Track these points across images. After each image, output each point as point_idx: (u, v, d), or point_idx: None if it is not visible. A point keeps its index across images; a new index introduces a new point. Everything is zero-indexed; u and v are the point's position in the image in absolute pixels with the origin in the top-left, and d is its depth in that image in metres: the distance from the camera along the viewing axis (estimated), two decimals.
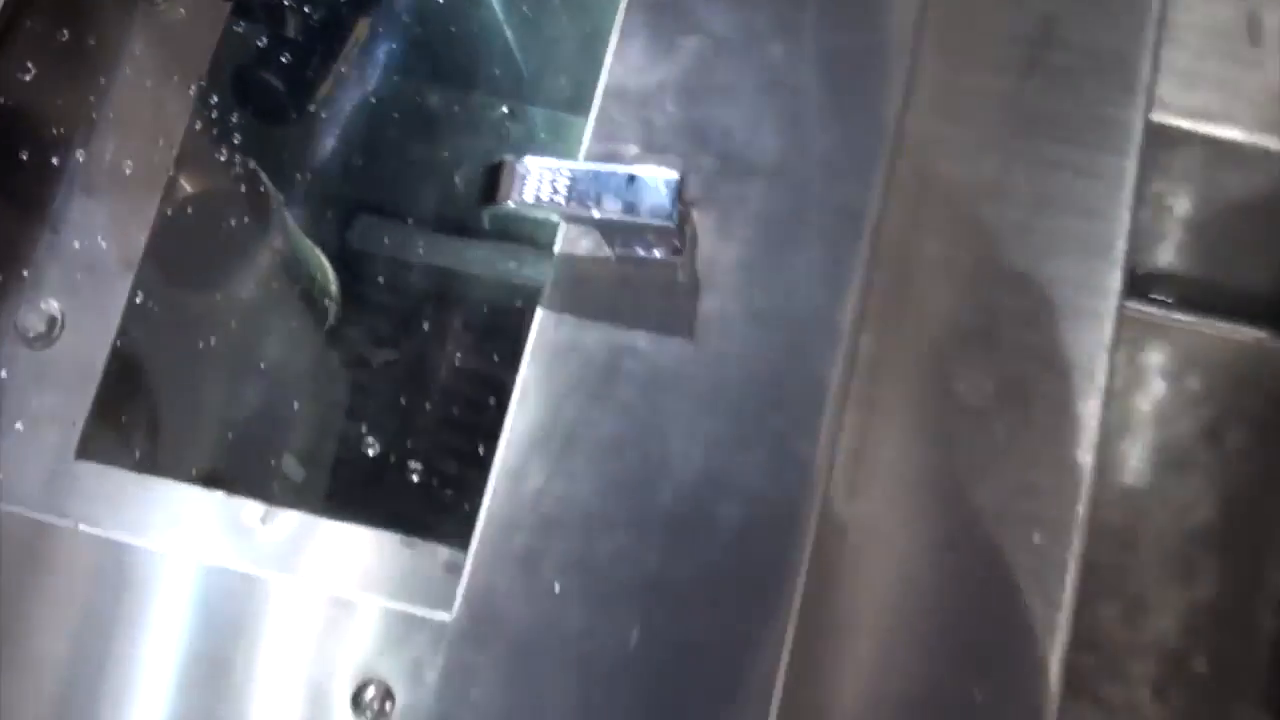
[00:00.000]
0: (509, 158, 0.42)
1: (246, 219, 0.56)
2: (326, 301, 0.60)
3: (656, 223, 0.41)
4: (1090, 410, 0.49)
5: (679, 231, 0.42)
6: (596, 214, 0.41)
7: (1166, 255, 0.74)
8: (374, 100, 0.58)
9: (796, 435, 0.43)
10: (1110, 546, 0.73)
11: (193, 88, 0.52)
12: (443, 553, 0.46)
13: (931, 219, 0.49)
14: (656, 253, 0.44)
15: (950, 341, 0.49)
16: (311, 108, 0.55)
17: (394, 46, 0.57)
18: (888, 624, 0.47)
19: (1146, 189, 0.63)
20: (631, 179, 0.41)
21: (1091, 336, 0.49)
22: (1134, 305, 0.77)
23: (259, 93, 0.53)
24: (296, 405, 0.53)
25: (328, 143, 0.58)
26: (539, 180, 0.42)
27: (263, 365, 0.56)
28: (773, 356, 0.44)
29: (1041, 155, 0.51)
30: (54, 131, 0.49)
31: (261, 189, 0.57)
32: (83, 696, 0.42)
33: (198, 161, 0.53)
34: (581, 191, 0.41)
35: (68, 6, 0.49)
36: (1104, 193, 0.51)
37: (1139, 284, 0.77)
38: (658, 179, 0.41)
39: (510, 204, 0.42)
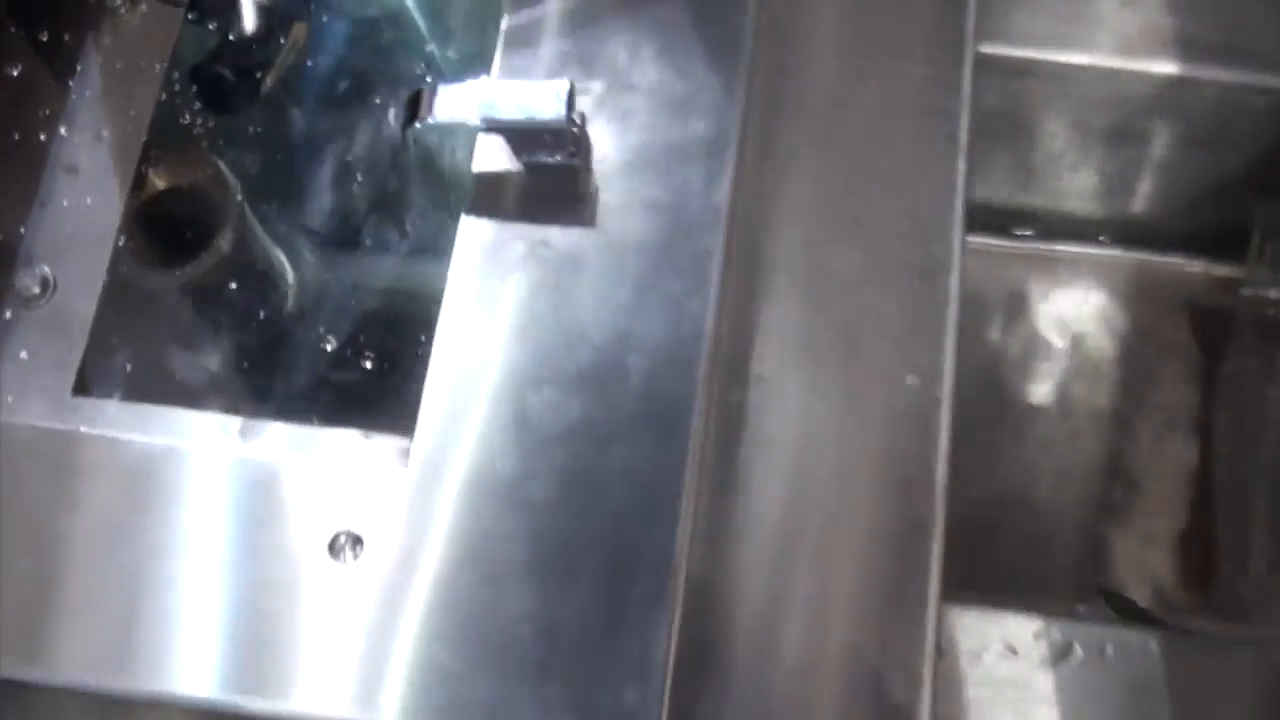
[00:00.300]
0: (426, 84, 0.51)
1: (206, 205, 0.63)
2: (284, 286, 0.68)
3: (552, 123, 0.49)
4: (949, 275, 0.57)
5: (573, 133, 0.51)
6: (501, 118, 0.49)
7: (1040, 185, 0.84)
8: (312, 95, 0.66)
9: (689, 296, 0.51)
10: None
11: (155, 84, 0.60)
12: (398, 441, 0.52)
13: (794, 129, 0.58)
14: (558, 156, 0.52)
15: (823, 227, 0.57)
16: (258, 101, 0.63)
17: (329, 44, 0.65)
18: (791, 467, 0.54)
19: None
20: (528, 89, 0.50)
21: (944, 211, 0.58)
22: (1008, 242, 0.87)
23: (211, 85, 0.62)
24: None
25: (275, 133, 0.65)
26: (450, 99, 0.50)
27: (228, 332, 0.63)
28: (664, 236, 0.52)
29: (885, 69, 0.60)
30: (39, 117, 0.57)
31: (220, 178, 0.65)
32: (92, 569, 0.49)
33: (162, 151, 0.61)
34: (486, 103, 0.50)
35: (48, 9, 0.58)
36: (941, 95, 0.59)
37: (1007, 216, 0.86)
38: (550, 87, 0.49)
39: (430, 120, 0.50)
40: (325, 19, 0.62)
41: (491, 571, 0.48)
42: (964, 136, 0.59)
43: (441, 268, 0.52)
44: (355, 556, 0.48)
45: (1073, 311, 0.89)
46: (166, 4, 0.62)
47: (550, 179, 0.52)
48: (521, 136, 0.51)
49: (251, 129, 0.60)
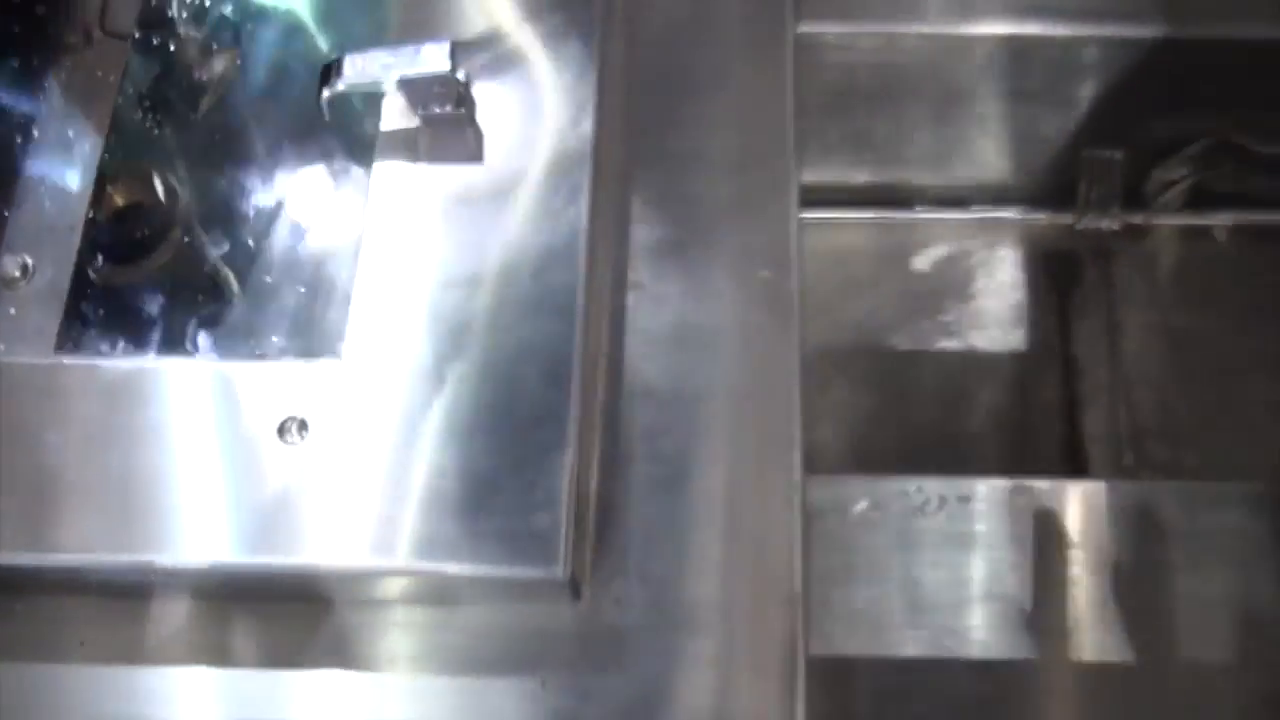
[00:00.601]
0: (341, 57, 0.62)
1: (156, 210, 0.73)
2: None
3: (441, 76, 0.60)
4: (788, 196, 0.68)
5: (458, 86, 0.62)
6: (399, 75, 0.60)
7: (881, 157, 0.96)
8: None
9: (566, 207, 0.62)
10: None
11: (109, 105, 0.71)
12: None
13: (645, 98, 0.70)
14: (448, 107, 0.63)
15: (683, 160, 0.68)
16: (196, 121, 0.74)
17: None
18: (669, 353, 0.64)
19: None
20: (419, 49, 0.61)
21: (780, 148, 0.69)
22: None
23: (154, 109, 0.72)
24: None
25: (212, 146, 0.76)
26: (356, 66, 0.61)
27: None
28: (538, 165, 0.63)
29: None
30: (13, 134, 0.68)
31: (168, 186, 0.75)
32: (84, 467, 0.58)
33: (117, 162, 0.71)
34: (385, 65, 0.61)
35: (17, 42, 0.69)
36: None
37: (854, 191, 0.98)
38: (437, 47, 0.61)
39: (340, 86, 0.61)
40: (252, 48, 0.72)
41: (418, 437, 0.57)
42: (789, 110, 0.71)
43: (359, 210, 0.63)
44: (302, 438, 0.57)
45: (934, 270, 1.01)
46: (114, 38, 0.73)
47: (444, 128, 0.63)
48: (417, 92, 0.62)
49: (191, 144, 0.71)
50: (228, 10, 0.72)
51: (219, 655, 0.59)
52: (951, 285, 1.01)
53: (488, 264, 0.61)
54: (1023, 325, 1.01)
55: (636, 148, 0.68)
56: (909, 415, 0.96)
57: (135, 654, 0.59)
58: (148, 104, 0.73)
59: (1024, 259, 1.01)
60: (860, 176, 0.98)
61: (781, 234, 0.67)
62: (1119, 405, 0.97)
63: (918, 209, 1.00)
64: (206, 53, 0.74)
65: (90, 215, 0.68)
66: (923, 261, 1.01)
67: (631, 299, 0.65)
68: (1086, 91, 0.91)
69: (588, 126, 0.63)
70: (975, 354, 0.99)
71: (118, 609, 0.60)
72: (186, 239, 0.67)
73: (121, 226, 0.72)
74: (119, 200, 0.72)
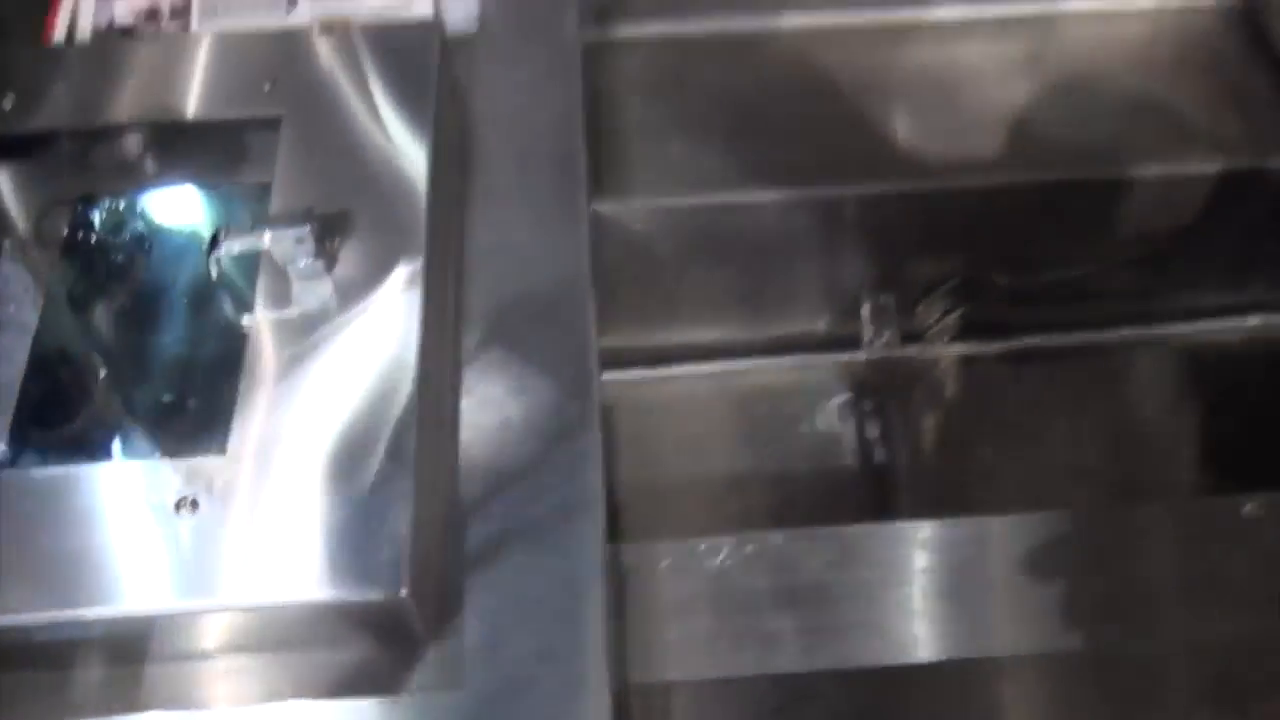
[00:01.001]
0: (223, 228, 0.81)
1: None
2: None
3: (299, 236, 0.79)
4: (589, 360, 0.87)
5: (315, 244, 0.80)
6: (268, 241, 0.79)
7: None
8: None
9: (398, 355, 0.80)
10: None
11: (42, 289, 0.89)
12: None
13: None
14: (316, 262, 0.81)
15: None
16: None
17: None
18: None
19: None
20: (288, 223, 0.80)
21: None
22: None
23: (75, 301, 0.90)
24: None
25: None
26: (238, 236, 0.80)
27: None
28: (364, 321, 0.81)
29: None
30: None
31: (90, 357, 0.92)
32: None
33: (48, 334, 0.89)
34: (258, 242, 0.80)
35: None
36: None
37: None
38: (296, 218, 0.80)
39: (225, 250, 0.80)
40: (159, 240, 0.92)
41: (283, 506, 0.73)
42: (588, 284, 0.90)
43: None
44: (194, 513, 0.73)
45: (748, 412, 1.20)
46: (40, 245, 0.92)
47: (305, 276, 0.82)
48: (284, 250, 0.81)
49: (110, 307, 0.89)
50: (139, 223, 0.91)
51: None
52: (767, 422, 1.19)
53: (340, 378, 0.78)
54: (831, 452, 1.19)
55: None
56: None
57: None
58: (74, 287, 0.91)
59: (825, 394, 1.20)
60: (667, 336, 1.18)
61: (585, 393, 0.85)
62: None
63: (722, 360, 1.20)
64: (121, 249, 0.94)
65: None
66: (736, 406, 1.20)
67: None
68: (856, 243, 1.13)
69: (417, 290, 0.82)
70: (793, 476, 1.17)
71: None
72: (109, 377, 0.84)
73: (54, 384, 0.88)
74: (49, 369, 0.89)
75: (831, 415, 1.20)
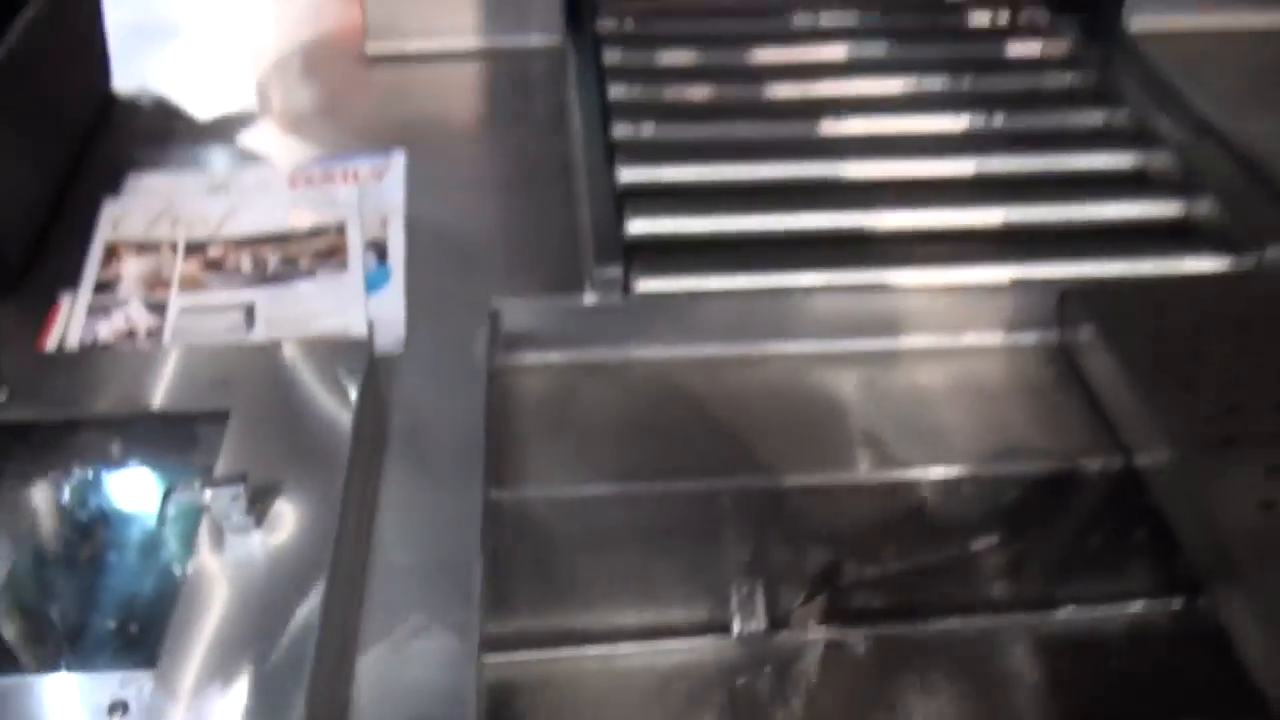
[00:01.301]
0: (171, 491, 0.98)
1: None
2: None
3: (235, 494, 0.97)
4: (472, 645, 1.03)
5: (247, 505, 0.98)
6: (208, 497, 0.97)
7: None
8: None
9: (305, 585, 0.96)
10: None
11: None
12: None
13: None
14: (247, 518, 0.98)
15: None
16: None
17: None
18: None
19: None
20: (226, 483, 0.98)
21: None
22: None
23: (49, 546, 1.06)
24: None
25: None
26: (179, 499, 0.98)
27: None
28: (281, 570, 0.97)
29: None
30: None
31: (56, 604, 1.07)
32: None
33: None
34: (202, 491, 0.97)
35: None
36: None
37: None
38: (234, 479, 0.98)
39: (171, 508, 0.97)
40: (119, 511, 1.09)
41: (199, 708, 0.86)
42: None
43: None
44: (124, 714, 0.86)
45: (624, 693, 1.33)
46: (19, 508, 1.09)
47: (237, 530, 0.98)
48: (221, 509, 0.98)
49: (72, 561, 1.05)
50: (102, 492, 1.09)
51: None
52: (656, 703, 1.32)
53: (254, 616, 0.93)
54: None
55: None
56: None
57: None
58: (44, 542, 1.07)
59: (699, 679, 1.33)
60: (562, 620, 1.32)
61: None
62: None
63: (603, 645, 1.34)
64: (86, 511, 1.10)
65: None
66: (621, 688, 1.33)
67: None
68: (727, 533, 1.30)
69: (328, 549, 0.99)
70: None
71: None
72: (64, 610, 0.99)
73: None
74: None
75: (707, 696, 1.33)
